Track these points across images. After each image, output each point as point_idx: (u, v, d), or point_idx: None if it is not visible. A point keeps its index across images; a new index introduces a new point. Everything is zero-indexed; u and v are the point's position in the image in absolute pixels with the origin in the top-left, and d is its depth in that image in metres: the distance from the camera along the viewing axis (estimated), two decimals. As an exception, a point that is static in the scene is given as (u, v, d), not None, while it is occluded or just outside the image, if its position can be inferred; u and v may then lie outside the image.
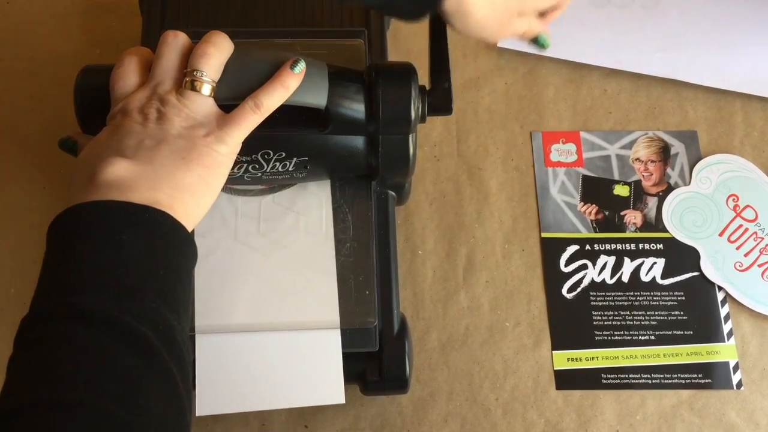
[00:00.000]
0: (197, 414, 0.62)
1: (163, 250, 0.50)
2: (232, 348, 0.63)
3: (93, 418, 0.41)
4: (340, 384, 0.63)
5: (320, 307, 0.64)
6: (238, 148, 0.56)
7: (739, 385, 0.73)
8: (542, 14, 0.68)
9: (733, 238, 0.78)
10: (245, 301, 0.63)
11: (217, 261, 0.64)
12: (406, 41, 0.87)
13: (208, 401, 0.62)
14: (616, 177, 0.81)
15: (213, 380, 0.62)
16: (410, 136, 0.63)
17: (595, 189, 0.81)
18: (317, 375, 0.63)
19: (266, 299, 0.64)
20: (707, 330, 0.75)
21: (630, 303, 0.76)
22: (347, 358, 0.64)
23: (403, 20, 0.62)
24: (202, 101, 0.55)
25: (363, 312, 0.64)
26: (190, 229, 0.53)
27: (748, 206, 0.79)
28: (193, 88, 0.55)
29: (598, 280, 0.77)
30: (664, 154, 0.82)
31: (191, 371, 0.49)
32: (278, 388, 0.63)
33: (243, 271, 0.64)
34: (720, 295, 0.76)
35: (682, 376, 0.73)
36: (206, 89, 0.55)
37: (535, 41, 0.67)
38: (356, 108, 0.61)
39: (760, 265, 0.77)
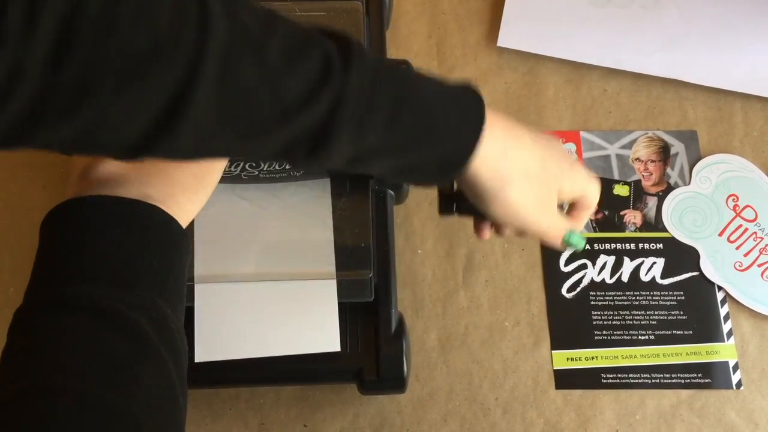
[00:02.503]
0: (196, 360, 0.63)
1: (156, 244, 0.50)
2: (230, 297, 0.64)
3: (84, 403, 0.41)
4: (335, 333, 0.64)
5: (317, 259, 0.65)
6: None
7: (739, 384, 0.73)
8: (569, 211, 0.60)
9: (732, 238, 0.78)
10: (243, 253, 0.65)
11: (216, 213, 0.65)
12: (406, 40, 0.87)
13: (206, 348, 0.63)
14: (616, 177, 0.81)
15: (212, 328, 0.63)
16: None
17: (594, 189, 0.81)
18: (314, 324, 0.64)
19: (263, 250, 0.65)
20: (707, 330, 0.75)
21: (629, 303, 0.76)
22: (348, 354, 0.65)
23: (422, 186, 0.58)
24: None
25: (359, 263, 0.65)
26: (184, 225, 0.53)
27: (747, 206, 0.79)
28: None
29: (597, 279, 0.77)
30: (664, 153, 0.82)
31: (186, 360, 0.49)
32: (276, 336, 0.64)
33: (241, 223, 0.65)
34: (720, 295, 0.76)
35: (681, 375, 0.73)
36: None
37: (569, 242, 0.58)
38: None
39: (759, 265, 0.77)
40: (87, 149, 0.43)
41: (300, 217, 0.66)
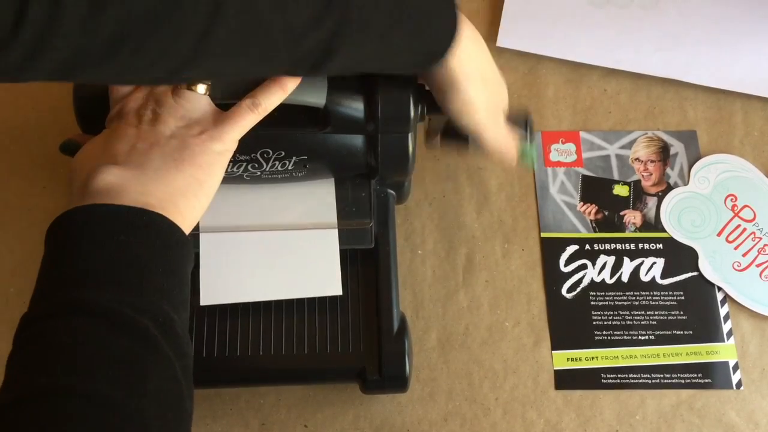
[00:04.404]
0: (201, 303, 0.64)
1: (161, 251, 0.50)
2: (234, 244, 0.66)
3: (92, 402, 0.42)
4: (337, 278, 0.66)
5: (319, 209, 0.67)
6: (233, 146, 0.56)
7: (739, 384, 0.73)
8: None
9: (731, 238, 0.78)
10: (247, 205, 0.66)
11: None
12: (406, 41, 0.86)
13: (211, 292, 0.65)
14: (616, 177, 0.81)
15: (217, 273, 0.65)
16: (409, 134, 0.63)
17: (594, 189, 0.81)
18: (316, 269, 0.66)
19: (268, 202, 0.67)
20: (707, 330, 0.75)
21: (629, 303, 0.76)
22: (351, 353, 0.65)
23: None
24: (198, 99, 0.55)
25: (359, 213, 0.67)
26: (187, 231, 0.53)
27: (746, 206, 0.79)
28: (189, 87, 0.55)
29: (597, 279, 0.77)
30: (664, 154, 0.82)
31: (192, 366, 0.50)
32: (279, 281, 0.66)
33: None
34: (719, 295, 0.76)
35: (681, 375, 0.73)
36: (201, 87, 0.55)
37: (524, 153, 0.66)
38: (355, 107, 0.61)
39: (758, 265, 0.77)
40: (123, 83, 0.52)
41: None
